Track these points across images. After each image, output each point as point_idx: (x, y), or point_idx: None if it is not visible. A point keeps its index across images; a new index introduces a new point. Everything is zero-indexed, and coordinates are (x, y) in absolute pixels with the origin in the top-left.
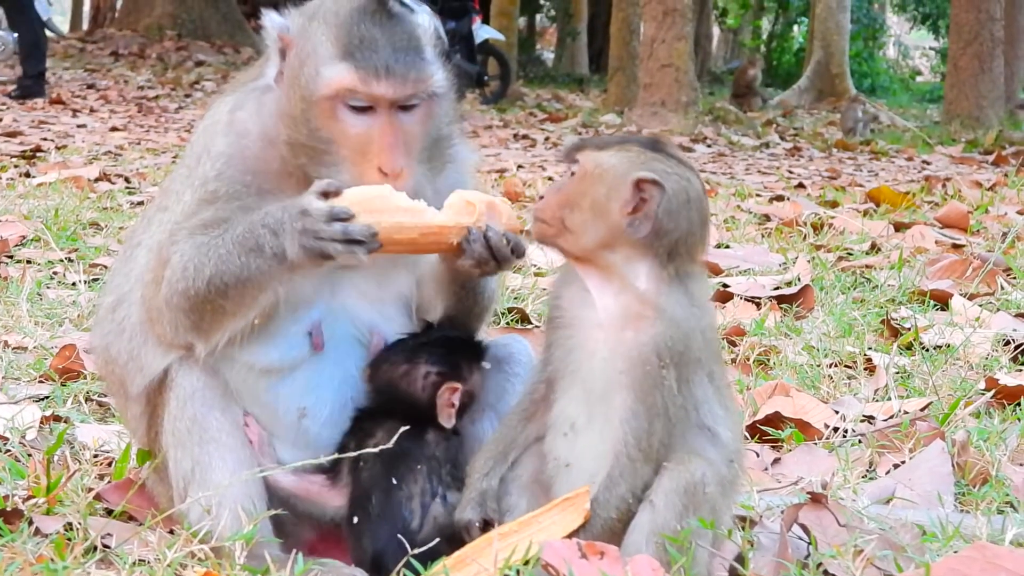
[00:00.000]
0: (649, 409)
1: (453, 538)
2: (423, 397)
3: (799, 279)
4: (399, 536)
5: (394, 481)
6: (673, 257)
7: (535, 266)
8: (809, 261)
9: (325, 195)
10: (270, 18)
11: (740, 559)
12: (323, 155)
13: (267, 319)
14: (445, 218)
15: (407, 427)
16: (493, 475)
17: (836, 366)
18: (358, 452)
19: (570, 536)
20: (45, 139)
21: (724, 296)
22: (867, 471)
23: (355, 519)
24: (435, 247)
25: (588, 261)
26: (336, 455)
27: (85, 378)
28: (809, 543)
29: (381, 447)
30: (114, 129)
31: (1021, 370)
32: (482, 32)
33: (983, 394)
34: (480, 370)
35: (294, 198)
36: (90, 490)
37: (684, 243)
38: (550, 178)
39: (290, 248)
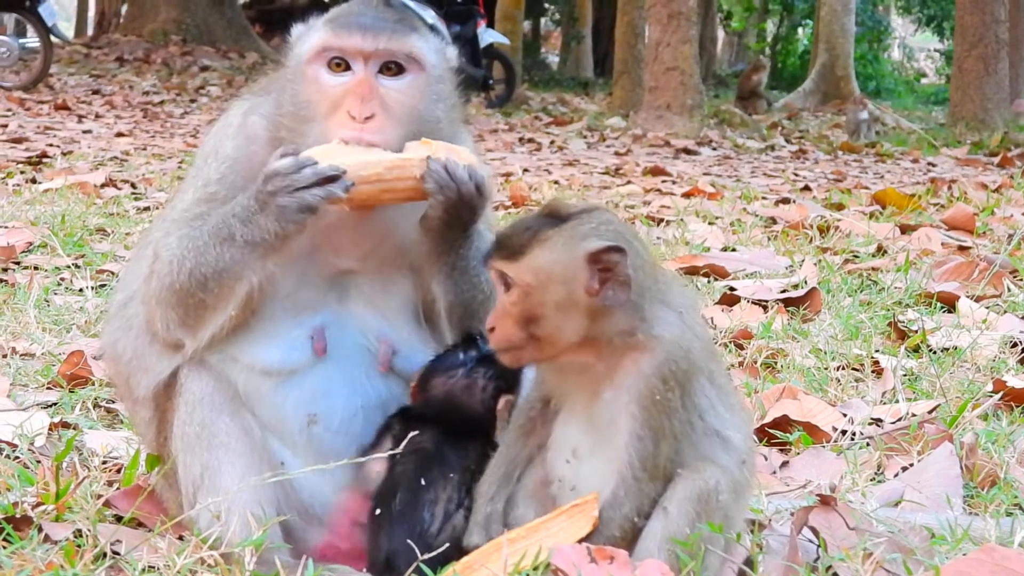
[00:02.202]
0: (655, 432)
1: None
2: (482, 410)
3: (806, 282)
4: (415, 539)
5: (423, 482)
6: (643, 292)
7: None
8: (815, 264)
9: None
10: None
11: (749, 562)
12: (302, 122)
13: (267, 320)
14: (405, 154)
15: (451, 434)
16: (498, 498)
17: (843, 369)
18: (370, 453)
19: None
20: (51, 145)
21: (731, 299)
22: (875, 474)
23: (378, 511)
24: (400, 181)
25: (570, 348)
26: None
27: (93, 384)
28: (818, 546)
29: (421, 446)
30: (120, 135)
31: None
32: (487, 36)
33: (991, 396)
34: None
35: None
36: (99, 496)
37: (647, 276)
38: (555, 182)
39: (269, 224)
